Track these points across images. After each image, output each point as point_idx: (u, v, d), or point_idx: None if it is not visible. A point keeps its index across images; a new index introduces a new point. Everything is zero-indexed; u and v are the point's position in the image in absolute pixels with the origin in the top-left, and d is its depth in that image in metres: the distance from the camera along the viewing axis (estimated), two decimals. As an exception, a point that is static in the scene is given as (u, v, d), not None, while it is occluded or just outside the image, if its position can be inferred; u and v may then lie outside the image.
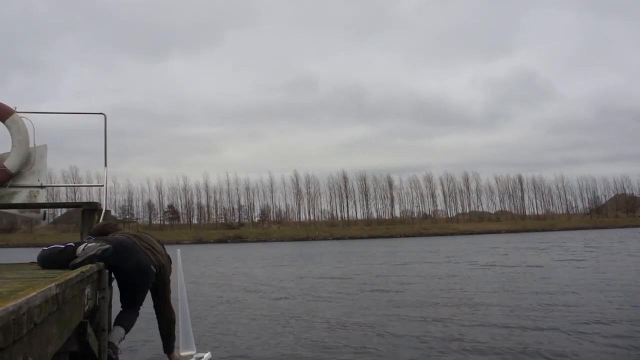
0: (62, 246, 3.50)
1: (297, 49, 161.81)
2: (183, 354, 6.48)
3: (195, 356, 6.68)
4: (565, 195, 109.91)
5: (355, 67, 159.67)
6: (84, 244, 3.38)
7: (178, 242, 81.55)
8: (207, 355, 7.10)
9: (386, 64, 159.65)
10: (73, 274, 2.62)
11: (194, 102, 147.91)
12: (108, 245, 3.36)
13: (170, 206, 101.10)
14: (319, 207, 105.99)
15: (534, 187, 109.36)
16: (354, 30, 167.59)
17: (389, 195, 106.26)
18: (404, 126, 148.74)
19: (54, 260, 3.46)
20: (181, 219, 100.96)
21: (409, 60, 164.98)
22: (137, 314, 4.09)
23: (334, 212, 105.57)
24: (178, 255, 7.95)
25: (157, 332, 4.50)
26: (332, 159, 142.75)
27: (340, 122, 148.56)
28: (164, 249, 4.30)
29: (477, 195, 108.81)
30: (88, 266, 3.27)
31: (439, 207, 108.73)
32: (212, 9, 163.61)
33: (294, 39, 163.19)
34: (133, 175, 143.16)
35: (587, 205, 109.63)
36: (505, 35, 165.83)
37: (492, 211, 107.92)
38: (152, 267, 3.84)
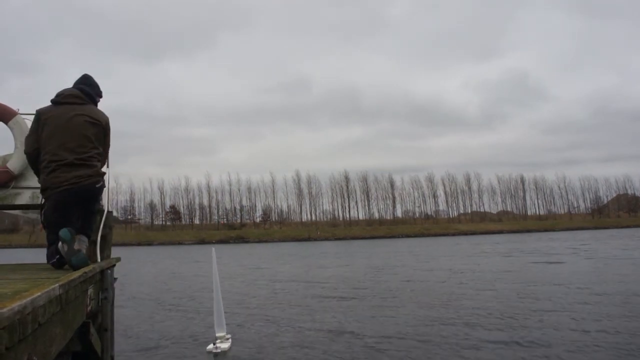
0: (56, 256, 3.53)
1: (291, 51, 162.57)
2: (217, 334, 8.50)
3: (225, 337, 8.55)
4: (567, 195, 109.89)
5: (349, 69, 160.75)
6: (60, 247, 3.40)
7: (180, 243, 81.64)
8: (229, 338, 8.59)
9: (380, 66, 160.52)
10: (76, 274, 2.64)
11: (191, 104, 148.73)
12: (62, 234, 3.30)
13: (172, 207, 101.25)
14: (321, 207, 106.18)
15: (536, 187, 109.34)
16: (347, 33, 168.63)
17: (390, 196, 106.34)
18: (401, 127, 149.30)
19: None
20: (183, 220, 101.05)
21: (403, 62, 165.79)
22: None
23: (336, 212, 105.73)
24: (213, 253, 9.57)
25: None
26: (330, 159, 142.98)
27: (337, 123, 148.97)
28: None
29: (478, 195, 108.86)
30: (90, 267, 3.30)
31: (441, 208, 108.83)
32: (206, 12, 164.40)
33: (287, 42, 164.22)
34: (132, 175, 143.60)
35: (589, 205, 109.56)
36: (496, 38, 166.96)
37: (494, 211, 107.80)
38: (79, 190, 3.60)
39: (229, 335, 8.68)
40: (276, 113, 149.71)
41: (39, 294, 1.73)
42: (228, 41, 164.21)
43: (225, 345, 8.15)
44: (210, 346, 8.09)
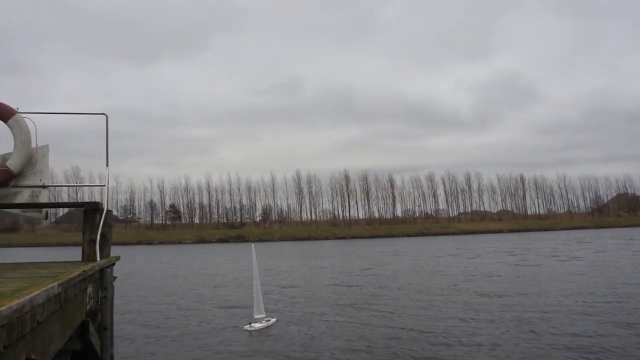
0: None
1: (285, 52, 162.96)
2: (256, 316, 9.94)
3: (264, 319, 10.05)
4: (567, 194, 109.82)
5: (343, 70, 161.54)
6: None
7: (180, 242, 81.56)
8: (273, 320, 10.27)
9: (374, 67, 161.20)
10: (75, 273, 2.64)
11: (188, 105, 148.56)
12: None
13: (172, 206, 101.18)
14: (321, 206, 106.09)
15: (536, 186, 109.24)
16: (340, 35, 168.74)
17: (390, 195, 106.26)
18: (397, 128, 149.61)
19: None
20: (183, 219, 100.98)
21: (396, 63, 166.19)
22: None
23: (336, 211, 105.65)
24: (252, 249, 11.46)
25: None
26: (328, 159, 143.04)
27: (333, 123, 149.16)
28: None
29: (478, 194, 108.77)
30: (89, 265, 3.30)
31: (441, 207, 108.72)
32: (199, 14, 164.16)
33: (281, 43, 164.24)
34: (130, 175, 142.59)
35: (589, 204, 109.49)
36: (487, 39, 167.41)
37: (494, 211, 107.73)
38: None
39: (269, 318, 10.22)
40: (272, 114, 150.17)
41: (37, 292, 1.73)
42: (223, 43, 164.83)
43: (259, 325, 9.77)
44: (247, 325, 9.80)
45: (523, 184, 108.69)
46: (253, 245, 12.27)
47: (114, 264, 4.25)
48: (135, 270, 25.22)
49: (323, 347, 8.41)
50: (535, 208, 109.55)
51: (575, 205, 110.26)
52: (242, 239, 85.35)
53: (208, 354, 8.26)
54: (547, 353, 7.51)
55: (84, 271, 2.85)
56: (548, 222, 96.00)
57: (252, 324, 9.75)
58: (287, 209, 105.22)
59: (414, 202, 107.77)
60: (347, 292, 15.08)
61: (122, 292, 15.04)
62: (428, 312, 11.20)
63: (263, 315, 10.10)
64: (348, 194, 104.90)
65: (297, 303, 13.20)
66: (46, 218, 5.47)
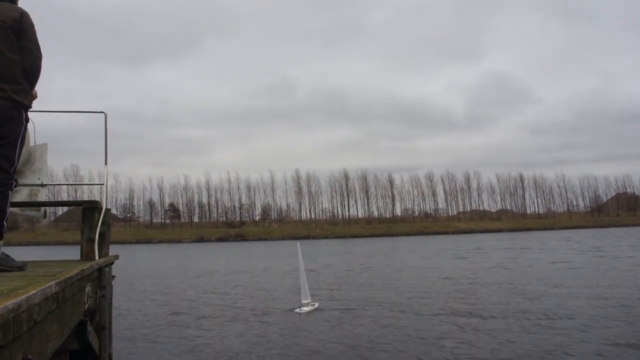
0: None
1: (277, 55, 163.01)
2: (303, 301, 11.63)
3: (310, 303, 11.69)
4: (566, 194, 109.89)
5: (336, 73, 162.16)
6: None
7: (179, 241, 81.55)
8: (317, 304, 11.92)
9: (366, 69, 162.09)
10: (73, 272, 2.63)
11: (182, 106, 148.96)
12: None
13: (172, 205, 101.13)
14: (320, 205, 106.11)
15: (535, 186, 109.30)
16: (333, 38, 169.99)
17: (390, 194, 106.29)
18: (390, 129, 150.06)
19: None
20: (182, 218, 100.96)
21: (388, 65, 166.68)
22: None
23: (335, 210, 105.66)
24: (298, 246, 13.71)
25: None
26: (322, 159, 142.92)
27: (327, 124, 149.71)
28: None
29: (478, 194, 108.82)
30: (88, 264, 3.28)
31: (440, 206, 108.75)
32: (191, 18, 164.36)
33: (273, 46, 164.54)
34: (126, 175, 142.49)
35: (588, 204, 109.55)
36: (478, 41, 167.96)
37: (493, 210, 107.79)
38: None
39: (314, 303, 11.83)
40: (267, 115, 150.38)
41: (34, 291, 1.71)
42: (215, 46, 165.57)
43: (307, 309, 11.40)
44: (297, 309, 11.45)
45: (522, 184, 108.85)
46: (298, 243, 14.82)
47: (112, 262, 4.24)
48: (135, 268, 25.22)
49: (363, 326, 9.96)
50: (534, 207, 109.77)
51: (575, 204, 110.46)
52: (241, 238, 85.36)
53: (273, 329, 9.89)
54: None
55: (82, 270, 2.83)
56: (547, 222, 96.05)
57: (302, 307, 11.40)
58: (286, 208, 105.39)
59: (414, 201, 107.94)
60: (356, 287, 16.09)
61: (121, 290, 15.03)
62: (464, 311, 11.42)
63: (309, 300, 11.73)
64: (347, 193, 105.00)
65: (324, 293, 14.67)
66: (45, 217, 5.45)
